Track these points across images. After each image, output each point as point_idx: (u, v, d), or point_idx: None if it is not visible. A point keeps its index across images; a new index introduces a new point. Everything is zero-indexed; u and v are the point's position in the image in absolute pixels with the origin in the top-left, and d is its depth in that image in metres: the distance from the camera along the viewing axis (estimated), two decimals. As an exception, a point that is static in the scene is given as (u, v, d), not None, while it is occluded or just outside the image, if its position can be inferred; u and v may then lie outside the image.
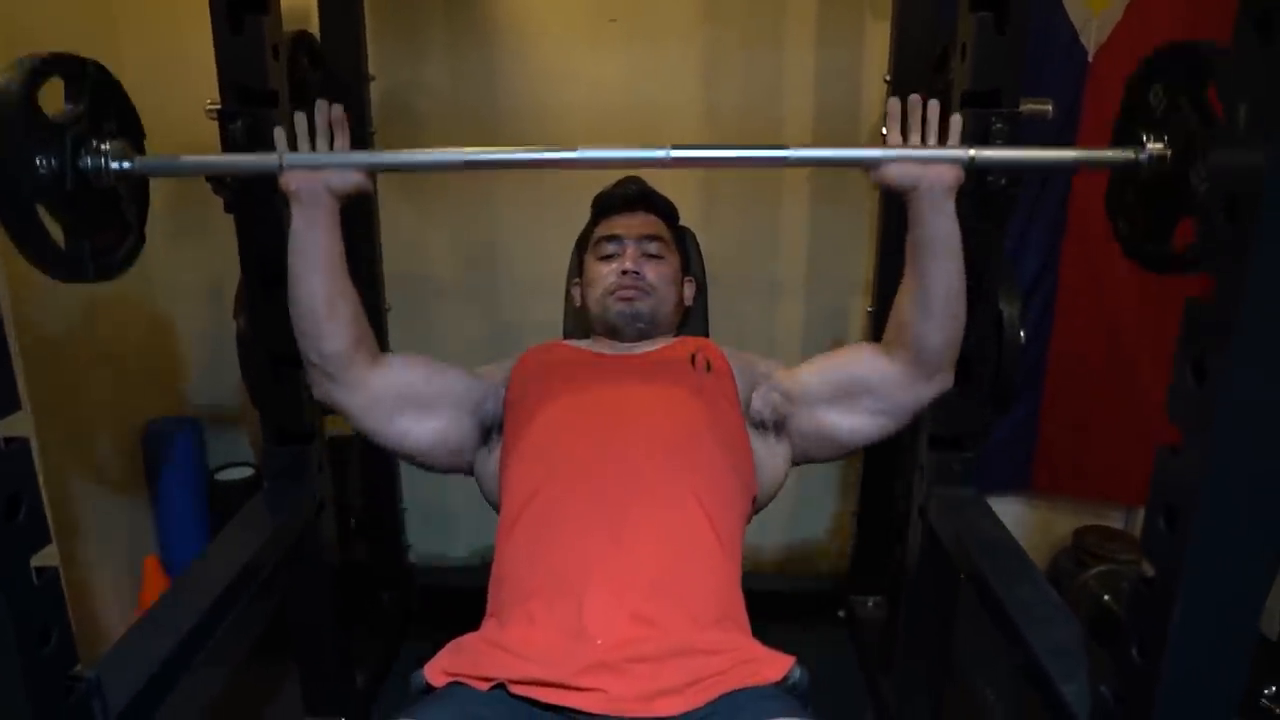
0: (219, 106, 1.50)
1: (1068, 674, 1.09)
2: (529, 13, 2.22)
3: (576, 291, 1.62)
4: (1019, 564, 1.39)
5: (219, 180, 1.44)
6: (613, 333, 1.47)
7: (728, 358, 1.39)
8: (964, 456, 1.63)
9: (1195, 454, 0.86)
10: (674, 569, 1.09)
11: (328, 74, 1.94)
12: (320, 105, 1.23)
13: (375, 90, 2.08)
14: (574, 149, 1.23)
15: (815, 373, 1.36)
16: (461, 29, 2.23)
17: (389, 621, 2.27)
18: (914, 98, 1.21)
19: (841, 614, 2.30)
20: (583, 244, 1.63)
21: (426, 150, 1.27)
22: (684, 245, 1.63)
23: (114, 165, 1.16)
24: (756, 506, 1.34)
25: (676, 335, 1.55)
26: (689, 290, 1.59)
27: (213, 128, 1.50)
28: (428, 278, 2.38)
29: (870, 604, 2.28)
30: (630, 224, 1.52)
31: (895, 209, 1.99)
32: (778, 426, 1.36)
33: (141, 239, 1.28)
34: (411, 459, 1.38)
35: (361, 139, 2.03)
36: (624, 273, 1.46)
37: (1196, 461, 0.85)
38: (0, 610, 0.88)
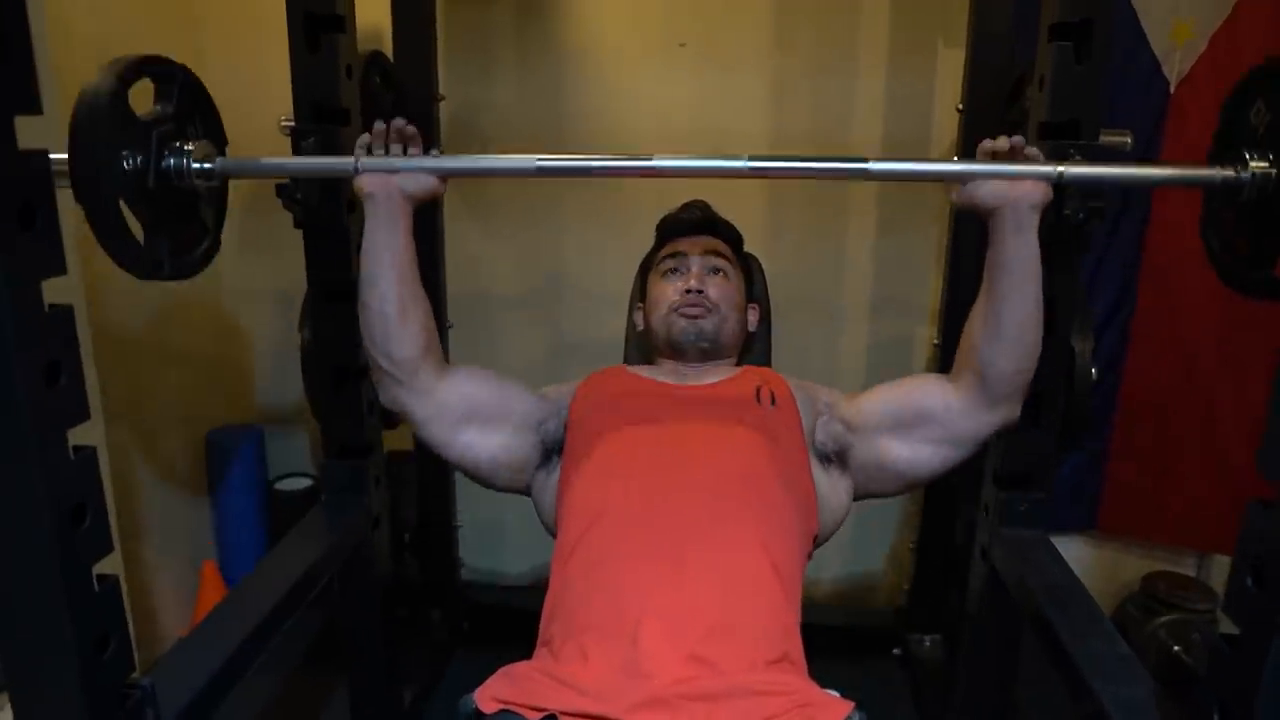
0: (293, 123, 1.54)
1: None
2: (598, 35, 2.23)
3: (639, 316, 1.61)
4: (1089, 614, 1.33)
5: (290, 196, 1.46)
6: (676, 352, 1.45)
7: (792, 389, 1.36)
8: (1032, 497, 1.57)
9: (1289, 510, 0.81)
10: (733, 611, 1.07)
11: (399, 93, 1.97)
12: (395, 120, 1.25)
13: (443, 110, 2.11)
14: (649, 157, 1.24)
15: (877, 401, 1.33)
16: (530, 50, 2.25)
17: (438, 639, 2.27)
18: (1004, 140, 1.19)
19: (897, 651, 2.24)
20: (646, 268, 1.62)
21: (498, 156, 1.27)
22: (749, 270, 1.61)
23: (195, 165, 1.18)
24: (817, 543, 1.31)
25: (740, 363, 1.52)
26: (753, 316, 1.57)
27: (287, 144, 1.53)
28: (490, 295, 2.40)
29: (927, 643, 2.21)
30: (694, 244, 1.52)
31: (966, 237, 1.97)
32: (840, 457, 1.33)
33: (218, 241, 1.30)
34: (472, 473, 1.38)
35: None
36: (687, 290, 1.44)
37: (1290, 518, 0.80)
38: (61, 616, 0.89)
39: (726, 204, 2.12)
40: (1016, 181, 1.16)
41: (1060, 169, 1.17)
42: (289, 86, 1.52)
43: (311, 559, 1.45)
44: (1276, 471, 0.82)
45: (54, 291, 0.87)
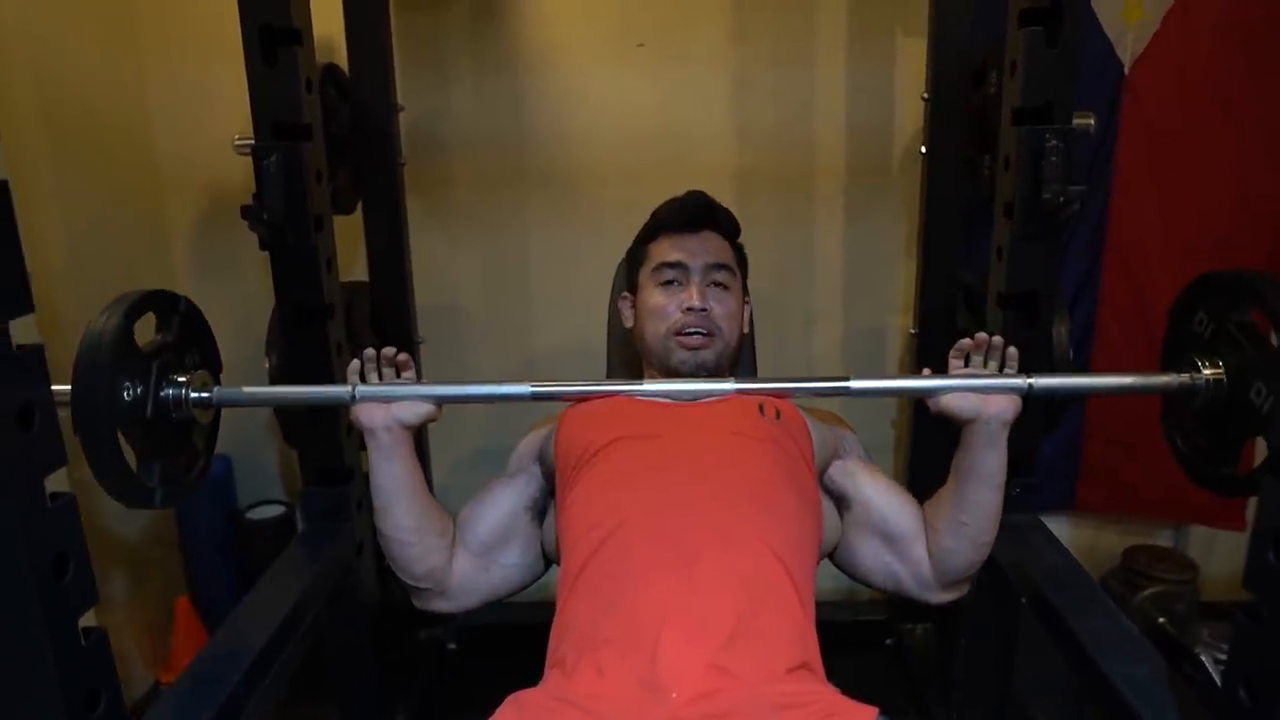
0: (250, 141, 1.48)
1: (1160, 715, 1.03)
2: (555, 39, 2.20)
3: (626, 308, 1.52)
4: (1089, 594, 1.34)
5: (255, 216, 1.41)
6: (668, 372, 1.40)
7: (800, 411, 1.33)
8: (1025, 481, 1.58)
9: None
10: (751, 618, 1.04)
11: (356, 105, 1.92)
12: (385, 351, 1.27)
13: (403, 119, 2.06)
14: (641, 381, 1.36)
15: (876, 499, 1.33)
16: (487, 56, 2.21)
17: (425, 660, 2.22)
18: (980, 336, 1.25)
19: (890, 642, 2.24)
20: (635, 257, 1.51)
21: (493, 384, 1.30)
22: (744, 261, 1.52)
23: (193, 395, 1.20)
24: (821, 554, 1.31)
25: (734, 368, 1.49)
26: (747, 314, 1.51)
27: (241, 162, 1.48)
28: (459, 307, 2.35)
29: (919, 631, 2.22)
30: (694, 248, 1.42)
31: (936, 224, 1.97)
32: (838, 506, 1.36)
33: (207, 468, 1.29)
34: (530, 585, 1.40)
35: (390, 170, 2.01)
36: (689, 309, 1.38)
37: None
38: (48, 674, 0.84)
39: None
40: (990, 398, 1.21)
41: (1030, 381, 1.22)
42: (240, 102, 1.46)
43: (296, 594, 1.40)
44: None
45: (23, 331, 0.82)
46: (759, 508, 1.14)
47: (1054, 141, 1.39)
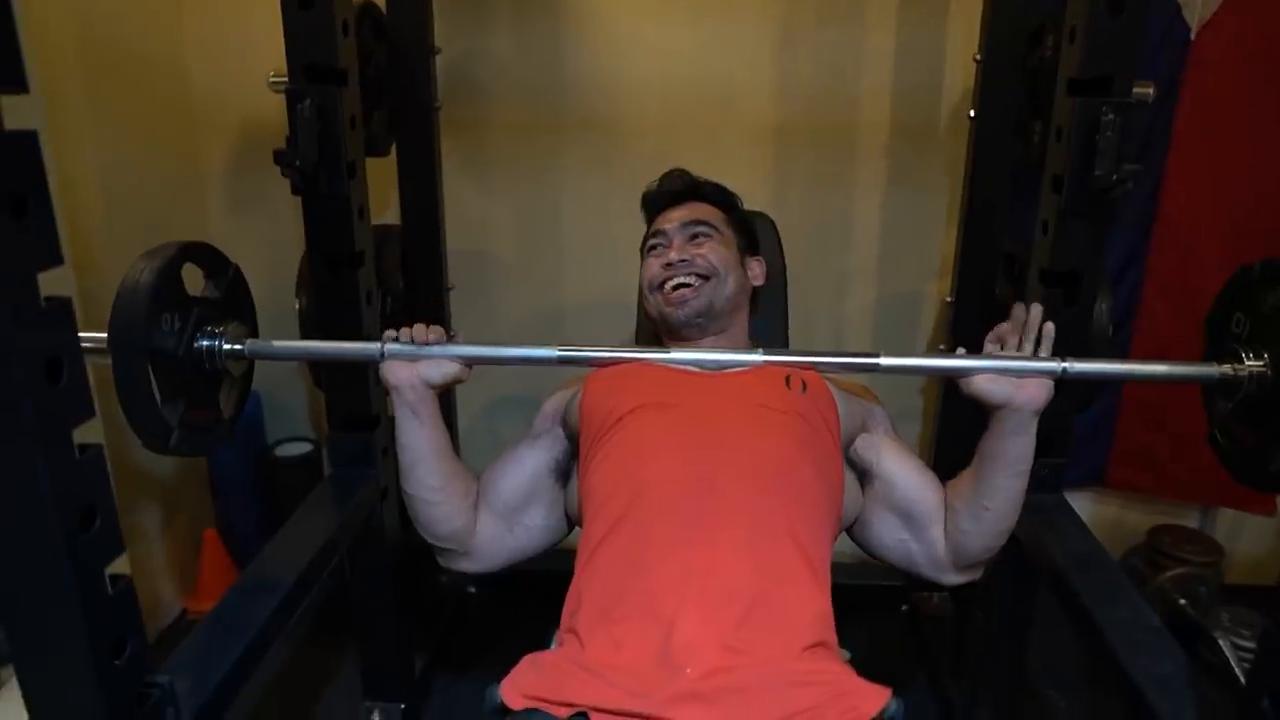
0: (284, 81, 1.46)
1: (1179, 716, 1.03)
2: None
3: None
4: (1113, 580, 1.32)
5: (287, 162, 1.40)
6: (676, 336, 1.41)
7: (827, 383, 1.31)
8: (1053, 461, 1.55)
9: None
10: (766, 597, 1.04)
11: (393, 47, 1.89)
12: (416, 327, 1.27)
13: (440, 62, 2.02)
14: (669, 349, 1.35)
15: (898, 476, 1.31)
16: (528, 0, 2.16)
17: (446, 605, 2.26)
18: (1018, 315, 1.22)
19: (905, 608, 2.24)
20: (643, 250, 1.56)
21: (521, 347, 1.29)
22: (748, 228, 1.55)
23: (227, 346, 1.21)
24: (841, 528, 1.30)
25: (750, 324, 1.49)
26: (756, 268, 1.51)
27: (277, 100, 1.46)
28: (490, 255, 2.34)
29: (935, 599, 2.22)
30: (675, 216, 1.47)
31: (981, 191, 1.92)
32: (861, 480, 1.34)
33: (231, 430, 1.30)
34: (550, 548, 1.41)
35: (425, 113, 1.98)
36: (668, 264, 1.40)
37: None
38: (75, 621, 0.85)
39: (733, 161, 2.08)
40: (1022, 384, 1.16)
41: (1064, 365, 1.17)
42: (277, 39, 1.43)
43: (321, 539, 1.42)
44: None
45: (51, 284, 0.82)
46: (778, 485, 1.13)
47: (1110, 116, 1.33)
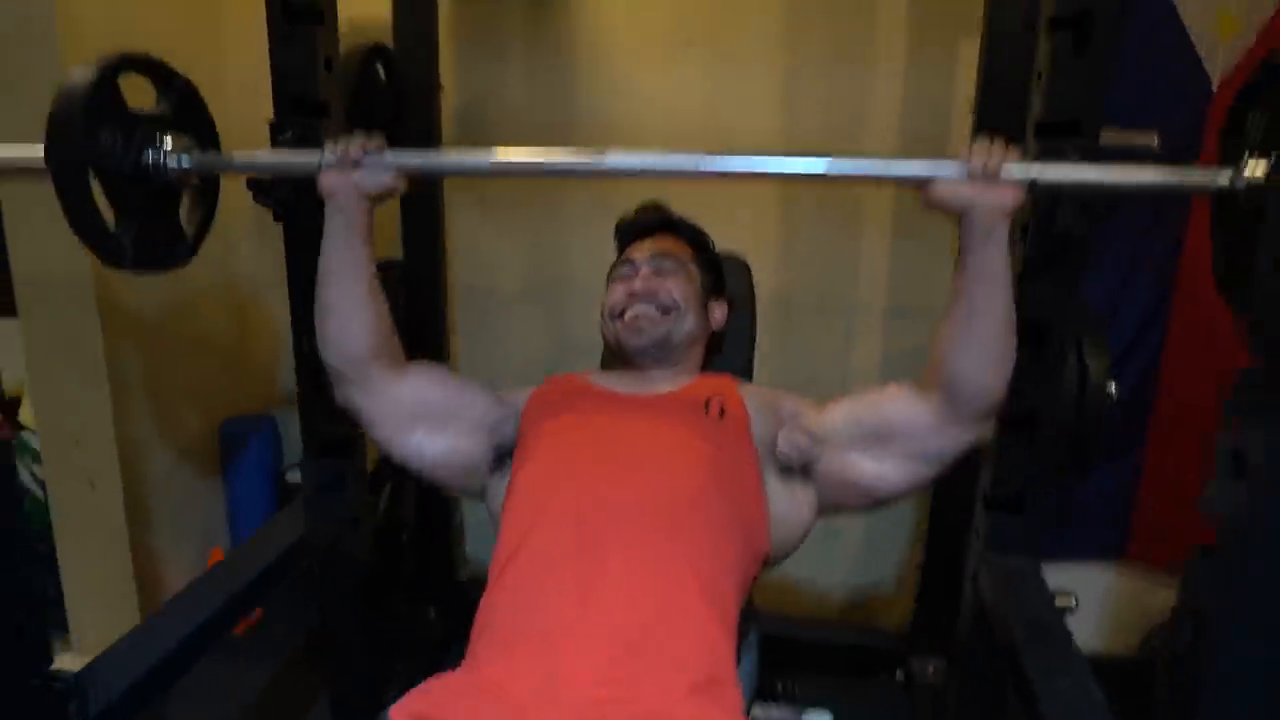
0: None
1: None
2: (607, 31, 2.19)
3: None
4: (1063, 650, 1.24)
5: (264, 191, 1.46)
6: (627, 361, 1.40)
7: (746, 399, 1.29)
8: (1024, 521, 1.48)
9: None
10: (653, 632, 1.01)
11: (400, 85, 1.96)
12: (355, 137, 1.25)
13: (454, 104, 2.09)
14: (603, 155, 1.24)
15: (843, 414, 1.25)
16: (540, 44, 2.22)
17: (435, 637, 2.26)
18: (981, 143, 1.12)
19: (899, 676, 2.14)
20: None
21: (455, 155, 1.31)
22: (716, 269, 1.53)
23: (171, 162, 1.22)
24: (771, 562, 1.25)
25: (707, 365, 1.47)
26: (719, 312, 1.49)
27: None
28: (495, 290, 2.38)
29: (930, 669, 2.11)
30: (644, 247, 1.46)
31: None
32: (804, 470, 1.27)
33: (194, 245, 1.32)
34: (425, 475, 1.35)
35: (430, 146, 2.04)
36: (631, 293, 1.38)
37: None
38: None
39: (737, 204, 2.08)
40: (986, 187, 1.09)
41: (1034, 173, 1.10)
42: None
43: (269, 559, 1.44)
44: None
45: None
46: (680, 517, 1.11)
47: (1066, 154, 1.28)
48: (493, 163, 1.25)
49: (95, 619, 2.16)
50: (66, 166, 1.08)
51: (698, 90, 2.17)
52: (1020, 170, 1.10)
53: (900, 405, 1.21)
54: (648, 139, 2.20)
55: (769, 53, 2.12)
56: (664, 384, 1.34)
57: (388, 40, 1.97)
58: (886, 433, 1.21)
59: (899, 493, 1.24)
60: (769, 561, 1.24)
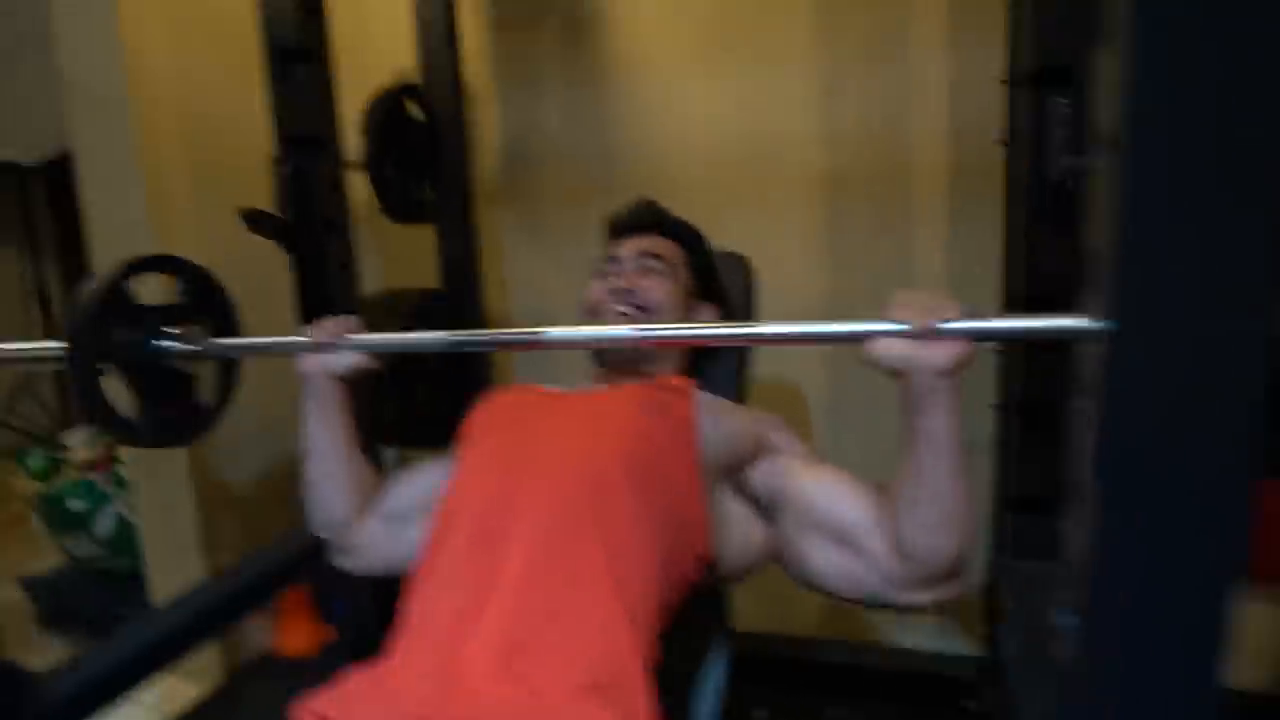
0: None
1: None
2: (640, 52, 2.19)
3: None
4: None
5: (252, 219, 1.53)
6: (600, 363, 1.36)
7: (700, 404, 1.20)
8: (1052, 523, 1.31)
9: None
10: (552, 628, 0.97)
11: (431, 120, 2.02)
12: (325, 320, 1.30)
13: (496, 138, 2.13)
14: (544, 331, 1.17)
15: (823, 496, 1.14)
16: (576, 71, 2.24)
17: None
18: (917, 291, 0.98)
19: (971, 706, 1.94)
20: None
21: (413, 334, 1.43)
22: (708, 274, 1.47)
23: (178, 346, 1.30)
24: (721, 574, 1.18)
25: (694, 374, 1.39)
26: (706, 317, 1.43)
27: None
28: (549, 316, 2.37)
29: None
30: (631, 243, 1.43)
31: (1016, 223, 1.70)
32: (766, 512, 1.20)
33: (212, 421, 1.40)
34: None
35: (460, 182, 2.09)
36: (612, 291, 1.35)
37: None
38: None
39: (782, 212, 2.03)
40: (924, 344, 0.94)
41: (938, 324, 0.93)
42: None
43: (249, 581, 1.50)
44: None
45: None
46: (589, 510, 1.06)
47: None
48: (449, 340, 1.23)
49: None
50: (78, 364, 1.18)
51: (734, 96, 2.13)
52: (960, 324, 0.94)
53: (876, 536, 1.08)
54: (686, 152, 2.18)
55: (804, 49, 2.06)
56: (626, 381, 1.29)
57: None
58: (852, 545, 1.10)
59: (830, 594, 1.14)
60: (720, 570, 1.17)
